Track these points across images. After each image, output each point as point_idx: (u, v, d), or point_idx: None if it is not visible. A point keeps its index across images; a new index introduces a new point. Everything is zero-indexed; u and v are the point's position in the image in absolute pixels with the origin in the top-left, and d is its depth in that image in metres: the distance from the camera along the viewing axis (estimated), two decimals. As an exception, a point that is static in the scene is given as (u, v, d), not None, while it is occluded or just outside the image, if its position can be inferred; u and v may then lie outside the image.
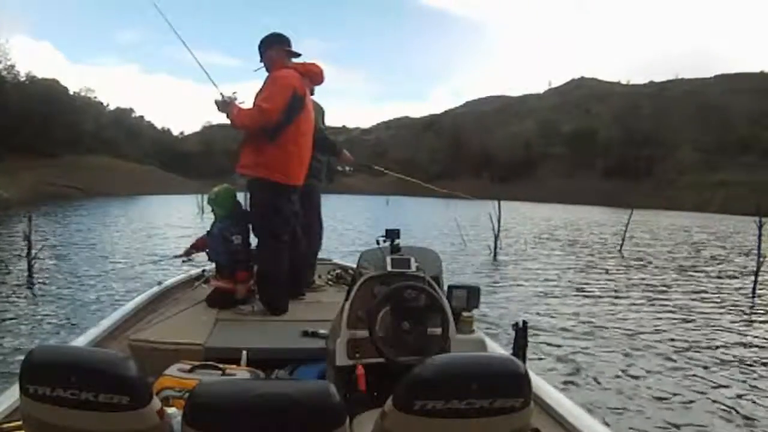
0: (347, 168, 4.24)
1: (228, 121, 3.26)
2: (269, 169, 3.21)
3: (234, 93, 3.36)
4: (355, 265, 2.39)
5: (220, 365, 2.00)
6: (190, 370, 1.96)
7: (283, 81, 3.19)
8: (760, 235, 10.01)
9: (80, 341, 2.52)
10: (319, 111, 3.89)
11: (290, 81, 3.19)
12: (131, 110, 77.84)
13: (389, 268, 2.05)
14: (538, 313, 6.78)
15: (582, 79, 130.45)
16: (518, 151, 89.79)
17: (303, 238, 3.60)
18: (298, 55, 3.40)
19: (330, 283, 4.11)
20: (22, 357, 1.09)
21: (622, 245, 15.38)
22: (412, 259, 2.08)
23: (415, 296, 1.93)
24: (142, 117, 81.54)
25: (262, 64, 3.39)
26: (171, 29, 3.55)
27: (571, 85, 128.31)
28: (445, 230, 17.76)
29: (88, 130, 54.66)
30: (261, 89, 3.23)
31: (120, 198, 39.07)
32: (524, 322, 2.13)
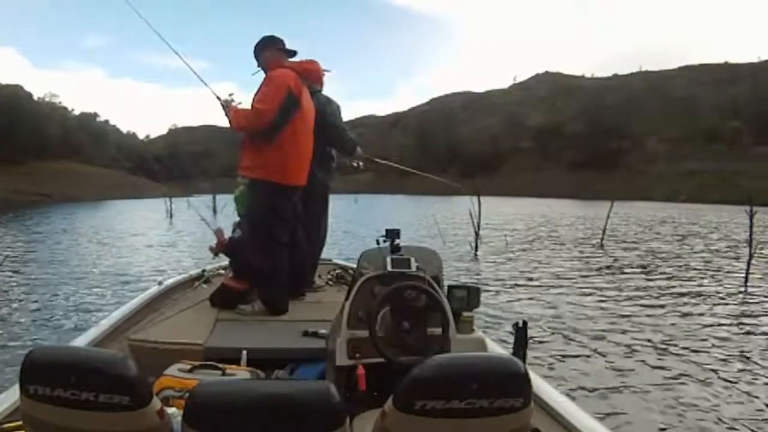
0: (360, 164, 4.25)
1: (226, 125, 3.30)
2: (268, 169, 3.21)
3: (231, 95, 3.38)
4: (355, 265, 2.39)
5: (220, 365, 2.00)
6: (190, 370, 1.96)
7: (277, 81, 3.19)
8: (751, 225, 9.98)
9: (80, 341, 2.51)
10: (336, 108, 3.89)
11: (285, 80, 3.19)
12: (96, 115, 78.23)
13: (389, 268, 2.05)
14: (526, 310, 6.72)
15: (546, 73, 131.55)
16: (485, 146, 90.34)
17: (304, 238, 3.59)
18: (294, 53, 3.40)
19: (330, 283, 4.11)
20: None
21: (602, 238, 15.26)
22: (413, 259, 2.08)
23: (416, 296, 1.93)
24: (107, 121, 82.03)
25: (259, 69, 3.40)
26: (153, 33, 3.59)
27: (536, 80, 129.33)
28: (421, 228, 17.34)
29: (54, 135, 54.92)
30: (258, 90, 3.24)
31: (87, 204, 38.66)
32: (524, 322, 2.12)
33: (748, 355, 5.26)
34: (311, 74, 3.44)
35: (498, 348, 2.44)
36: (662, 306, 7.38)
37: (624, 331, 5.96)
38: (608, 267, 10.97)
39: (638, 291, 8.41)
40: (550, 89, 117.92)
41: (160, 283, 3.83)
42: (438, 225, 15.05)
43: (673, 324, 6.38)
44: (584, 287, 8.64)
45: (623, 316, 6.64)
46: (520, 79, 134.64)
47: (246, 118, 3.19)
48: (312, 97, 3.64)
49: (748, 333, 6.10)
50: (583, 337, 5.72)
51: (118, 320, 2.89)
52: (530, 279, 9.37)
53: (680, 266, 11.33)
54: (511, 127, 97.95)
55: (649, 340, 5.65)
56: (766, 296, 8.22)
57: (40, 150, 50.59)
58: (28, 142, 48.49)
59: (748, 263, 9.32)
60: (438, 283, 2.07)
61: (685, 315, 6.89)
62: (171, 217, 24.95)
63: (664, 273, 10.39)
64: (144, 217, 25.62)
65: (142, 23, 3.64)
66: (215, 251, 3.75)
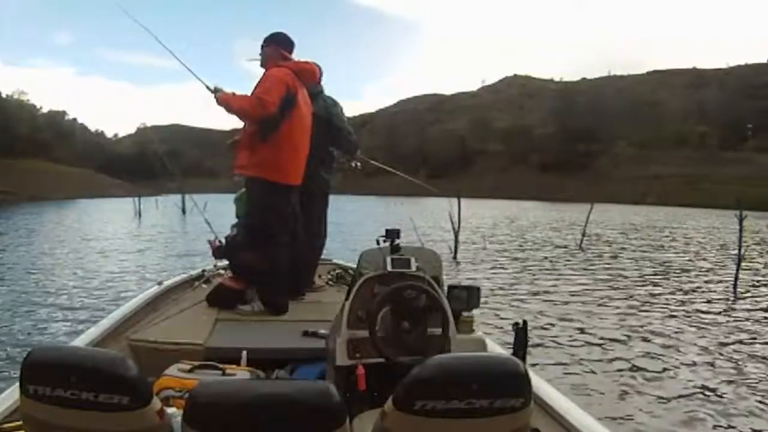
0: (359, 165, 4.27)
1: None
2: (264, 168, 3.21)
3: (216, 87, 3.35)
4: (355, 265, 2.39)
5: (220, 365, 2.00)
6: (190, 370, 1.96)
7: (275, 78, 3.19)
8: (741, 229, 9.90)
9: (80, 341, 2.51)
10: (340, 109, 3.90)
11: (283, 78, 3.19)
12: (64, 113, 78.40)
13: (389, 268, 2.04)
14: (511, 313, 6.69)
15: (515, 76, 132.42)
16: (453, 148, 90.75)
17: (304, 237, 3.59)
18: (290, 57, 3.41)
19: (330, 283, 4.11)
20: None
21: (582, 241, 15.16)
22: (413, 259, 2.07)
23: (415, 296, 1.93)
24: (75, 119, 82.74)
25: (258, 57, 3.42)
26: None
27: (505, 83, 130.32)
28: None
29: (22, 133, 54.84)
30: (257, 85, 3.24)
31: (55, 202, 38.47)
32: (524, 322, 2.12)
33: (742, 351, 5.30)
34: (307, 73, 3.41)
35: (498, 348, 2.44)
36: (649, 307, 7.39)
37: (610, 333, 5.96)
38: (592, 270, 10.88)
39: (623, 293, 8.41)
40: (519, 92, 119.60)
41: (160, 283, 3.82)
42: (416, 228, 14.32)
43: (661, 325, 6.40)
44: (569, 290, 8.60)
45: (609, 319, 6.64)
46: (488, 82, 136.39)
47: (251, 104, 3.13)
48: (317, 97, 3.66)
49: (742, 330, 6.16)
50: (571, 338, 5.73)
51: (118, 320, 2.89)
52: (513, 282, 9.31)
53: (662, 268, 11.33)
54: (479, 129, 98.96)
55: (637, 340, 5.69)
56: (756, 297, 8.30)
57: (7, 148, 50.55)
58: (-3, 140, 48.65)
59: (738, 266, 9.27)
60: (438, 283, 2.07)
61: (671, 315, 6.91)
62: (140, 216, 24.89)
63: (647, 275, 10.36)
64: (112, 217, 25.15)
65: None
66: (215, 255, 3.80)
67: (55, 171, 54.81)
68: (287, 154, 3.25)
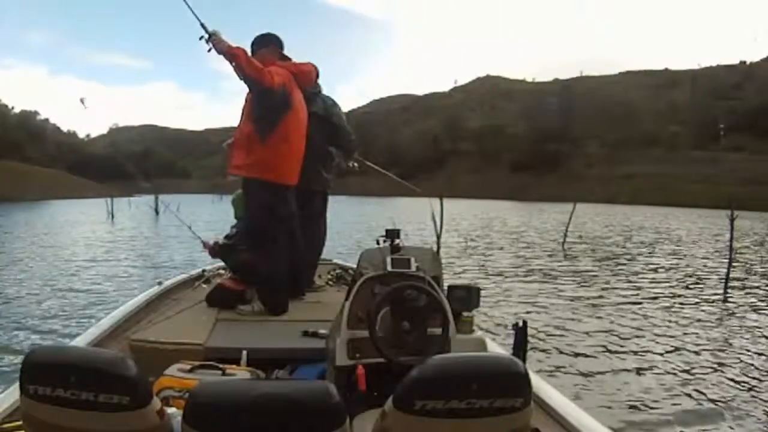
0: (356, 165, 4.28)
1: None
2: (261, 169, 3.20)
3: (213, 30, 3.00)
4: (355, 265, 2.39)
5: (220, 365, 2.00)
6: (190, 370, 1.96)
7: (274, 72, 3.14)
8: (732, 229, 9.78)
9: (80, 341, 2.51)
10: (338, 107, 3.90)
11: (281, 75, 3.15)
12: (36, 113, 78.46)
13: (389, 268, 2.04)
14: (498, 315, 6.63)
15: (487, 76, 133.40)
16: (426, 148, 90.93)
17: (302, 238, 3.59)
18: (288, 59, 3.40)
19: (330, 283, 4.11)
20: None
21: (564, 241, 15.08)
22: (413, 259, 2.07)
23: (416, 296, 1.93)
24: (47, 119, 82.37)
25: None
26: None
27: (477, 83, 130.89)
28: (376, 231, 16.06)
29: None
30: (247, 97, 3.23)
31: (26, 203, 38.16)
32: (524, 322, 2.12)
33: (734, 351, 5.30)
34: (304, 76, 3.38)
35: (498, 348, 2.44)
36: (638, 304, 7.39)
37: (599, 333, 5.94)
38: (576, 271, 10.81)
39: (608, 294, 8.38)
40: (491, 92, 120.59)
41: (160, 283, 3.83)
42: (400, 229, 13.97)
43: (652, 321, 6.42)
44: (557, 291, 8.53)
45: (596, 321, 6.60)
46: (461, 82, 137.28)
47: (256, 66, 2.96)
48: (316, 97, 3.65)
49: (734, 326, 6.22)
50: (559, 339, 5.71)
51: (118, 320, 2.89)
52: (498, 283, 9.23)
53: (649, 267, 11.32)
54: (451, 129, 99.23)
55: (628, 337, 5.73)
56: (746, 298, 8.27)
57: (-22, 149, 50.47)
58: (-33, 141, 48.33)
59: (729, 266, 9.21)
60: (438, 283, 2.07)
61: (661, 312, 6.94)
62: (112, 217, 24.80)
63: (630, 275, 10.33)
64: (84, 219, 24.71)
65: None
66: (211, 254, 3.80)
67: (26, 171, 54.26)
68: (284, 155, 3.24)
